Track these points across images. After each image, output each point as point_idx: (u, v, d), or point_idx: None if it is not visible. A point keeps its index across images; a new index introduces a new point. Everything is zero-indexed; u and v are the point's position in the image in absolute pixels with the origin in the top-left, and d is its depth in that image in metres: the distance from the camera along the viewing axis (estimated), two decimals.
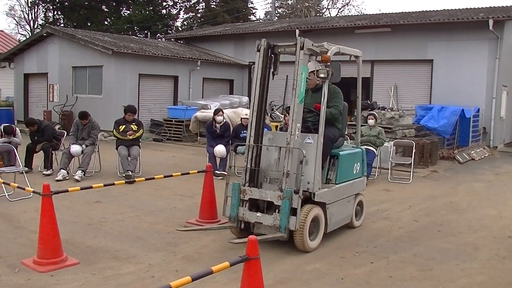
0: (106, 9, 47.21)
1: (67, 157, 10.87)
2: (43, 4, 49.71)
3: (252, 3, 49.16)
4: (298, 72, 6.17)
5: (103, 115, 17.82)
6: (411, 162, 12.08)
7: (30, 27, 53.52)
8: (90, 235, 6.86)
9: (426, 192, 10.59)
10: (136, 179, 8.36)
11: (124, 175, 10.72)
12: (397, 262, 6.11)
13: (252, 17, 48.59)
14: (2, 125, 11.47)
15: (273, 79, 6.70)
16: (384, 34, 20.46)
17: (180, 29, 46.52)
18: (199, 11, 48.05)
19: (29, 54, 23.47)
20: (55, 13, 49.38)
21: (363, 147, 11.68)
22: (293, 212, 6.00)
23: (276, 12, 47.25)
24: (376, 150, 11.82)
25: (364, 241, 6.95)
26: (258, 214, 6.30)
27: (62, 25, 45.13)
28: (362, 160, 7.56)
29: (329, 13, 50.73)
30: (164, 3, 46.69)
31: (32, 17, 53.59)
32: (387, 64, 20.70)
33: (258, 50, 6.47)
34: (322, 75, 6.36)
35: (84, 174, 10.77)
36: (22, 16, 55.48)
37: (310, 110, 6.82)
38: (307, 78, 6.51)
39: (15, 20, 65.96)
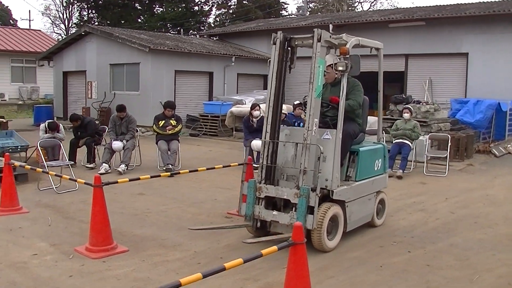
0: (139, 7, 47.91)
1: (109, 152, 11.26)
2: (77, 3, 50.70)
3: None
4: (315, 65, 5.94)
5: (140, 111, 18.23)
6: (447, 156, 12.10)
7: (65, 26, 54.70)
8: (136, 225, 7.17)
9: (462, 185, 10.64)
10: (180, 171, 8.67)
11: (164, 168, 11.05)
12: (434, 252, 6.25)
13: (284, 12, 48.70)
14: (47, 121, 11.92)
15: (289, 73, 6.49)
16: (418, 28, 20.38)
17: (213, 25, 46.89)
18: (231, 7, 48.38)
19: (68, 52, 24.08)
20: (89, 12, 50.31)
21: (398, 140, 11.88)
22: (310, 210, 5.81)
23: (308, 6, 47.25)
24: (412, 143, 11.90)
25: (402, 232, 7.10)
26: (274, 212, 6.12)
27: (96, 23, 45.91)
28: (383, 157, 7.32)
29: (362, 7, 50.51)
30: (197, 0, 47.09)
31: (67, 16, 54.78)
32: (422, 58, 20.61)
33: (274, 43, 6.28)
34: (340, 68, 6.13)
35: (127, 168, 11.14)
36: (57, 16, 56.71)
37: (328, 104, 6.62)
38: (325, 71, 6.40)
39: (51, 19, 67.52)
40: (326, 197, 6.08)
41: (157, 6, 48.08)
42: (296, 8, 39.57)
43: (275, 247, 3.84)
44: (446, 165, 12.08)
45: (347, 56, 6.10)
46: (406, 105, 13.36)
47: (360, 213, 6.75)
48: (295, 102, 12.83)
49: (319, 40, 5.94)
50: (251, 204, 6.23)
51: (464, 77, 19.66)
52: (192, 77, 21.94)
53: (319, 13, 42.67)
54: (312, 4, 51.61)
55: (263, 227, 6.36)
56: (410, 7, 27.80)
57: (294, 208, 5.90)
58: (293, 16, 40.42)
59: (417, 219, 7.83)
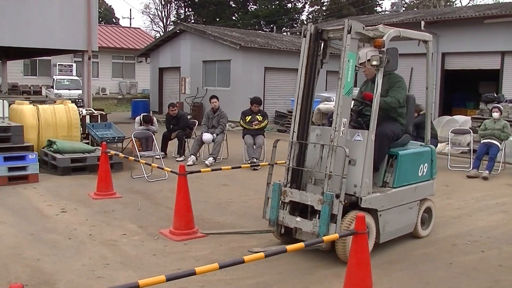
0: (233, 5, 48.96)
1: (198, 144, 11.84)
2: (175, 2, 52.58)
3: None
4: (345, 60, 5.46)
5: (230, 106, 18.80)
6: None
7: (163, 23, 56.92)
8: (218, 213, 7.61)
9: None
10: (260, 164, 9.03)
11: (249, 162, 11.47)
12: (509, 253, 6.16)
13: (378, 9, 48.07)
14: (141, 114, 12.72)
15: (321, 67, 5.95)
16: None
17: (305, 22, 47.07)
18: (324, 4, 48.35)
19: (164, 49, 25.23)
20: (186, 10, 52.05)
21: (486, 140, 11.61)
22: (334, 218, 5.36)
23: (403, 2, 46.32)
24: (501, 144, 11.59)
25: (478, 232, 7.03)
26: (298, 219, 5.69)
27: (192, 21, 47.45)
28: (431, 161, 6.61)
29: (460, 2, 48.88)
30: None
31: (165, 14, 56.96)
32: None
33: (304, 36, 5.83)
34: (374, 63, 5.59)
35: (214, 161, 11.66)
36: (156, 14, 59.09)
37: (365, 103, 6.14)
38: (364, 67, 6.04)
39: (150, 17, 70.34)
40: (355, 204, 5.59)
41: (251, 3, 48.97)
42: (391, 5, 38.91)
43: (336, 235, 4.09)
44: None
45: (382, 49, 5.59)
46: (496, 104, 13.00)
47: (397, 223, 6.12)
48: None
49: (349, 32, 5.47)
50: (275, 209, 5.89)
51: None
52: (282, 74, 22.30)
53: (414, 9, 41.79)
54: (408, 0, 50.55)
55: (289, 233, 5.95)
56: (508, 2, 26.68)
57: (318, 215, 5.47)
58: (386, 12, 39.83)
59: (497, 220, 7.70)
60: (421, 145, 6.77)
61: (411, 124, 6.70)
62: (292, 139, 5.85)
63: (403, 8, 42.11)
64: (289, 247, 3.90)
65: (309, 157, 5.87)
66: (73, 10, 15.65)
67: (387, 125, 6.00)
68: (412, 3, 49.81)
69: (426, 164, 6.50)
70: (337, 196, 5.29)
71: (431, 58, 6.73)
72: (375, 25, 5.95)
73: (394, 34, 5.84)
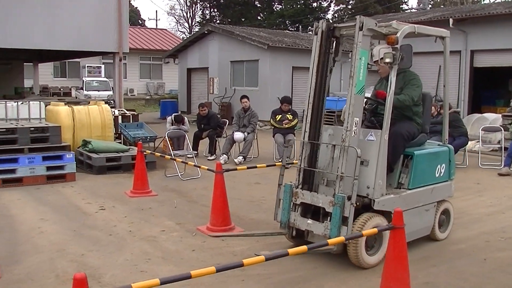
0: (259, 5, 49.14)
1: (229, 143, 12.02)
2: (200, 3, 53.01)
3: None
4: (356, 57, 5.28)
5: (259, 106, 18.90)
6: None
7: (188, 24, 57.46)
8: (252, 210, 7.76)
9: None
10: (294, 162, 9.12)
11: (280, 160, 11.58)
12: None
13: (404, 6, 47.78)
14: (173, 114, 12.94)
15: (333, 66, 5.79)
16: None
17: (331, 21, 46.97)
18: (350, 2, 48.24)
19: (192, 50, 25.51)
20: (212, 10, 52.41)
21: None
22: (346, 221, 5.20)
23: (429, 0, 45.94)
24: None
25: (511, 229, 7.02)
26: (309, 221, 5.53)
27: (218, 22, 47.75)
28: (449, 161, 6.35)
29: None
30: None
31: (190, 15, 57.48)
32: None
33: (316, 33, 5.67)
34: (388, 60, 5.37)
35: (244, 160, 11.81)
36: (181, 15, 59.66)
37: (379, 102, 5.98)
38: (378, 65, 5.89)
39: (175, 18, 70.98)
40: (368, 206, 5.39)
41: (276, 3, 49.12)
42: (417, 2, 38.58)
43: (375, 229, 4.19)
44: None
45: (395, 45, 5.36)
46: None
47: (413, 225, 5.78)
48: None
49: (361, 29, 5.26)
50: (287, 211, 5.73)
51: None
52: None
53: (441, 6, 41.43)
54: None
55: (301, 236, 5.79)
56: None
57: (329, 218, 5.31)
58: (412, 10, 39.56)
59: None
60: (438, 145, 6.51)
61: (428, 123, 6.47)
62: (304, 139, 5.69)
63: (430, 6, 41.78)
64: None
65: (321, 157, 5.73)
66: (105, 13, 15.97)
67: (402, 124, 5.86)
68: (438, 0, 49.37)
69: (443, 165, 6.26)
70: (349, 198, 5.14)
71: (448, 54, 6.37)
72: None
73: (409, 30, 5.65)
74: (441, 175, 6.22)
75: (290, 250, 3.77)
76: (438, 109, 11.78)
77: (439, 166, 6.17)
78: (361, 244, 5.20)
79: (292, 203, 5.72)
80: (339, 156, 5.28)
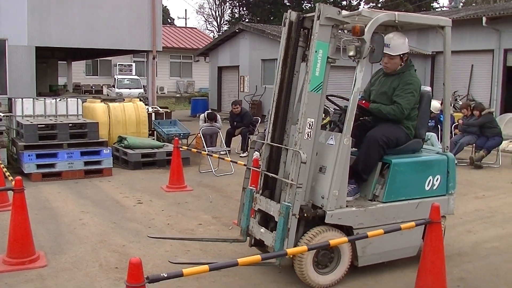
0: (288, 4, 49.13)
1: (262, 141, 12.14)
2: (229, 1, 53.26)
3: None
4: (312, 50, 4.63)
5: None
6: None
7: (217, 23, 57.82)
8: None
9: None
10: None
11: None
12: None
13: (435, 5, 47.32)
14: (206, 112, 13.14)
15: (304, 61, 5.00)
16: None
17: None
18: (380, 1, 47.97)
19: (223, 48, 25.75)
20: (241, 9, 52.64)
21: None
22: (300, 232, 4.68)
23: None
24: None
25: None
26: (262, 230, 4.95)
27: (246, 20, 47.95)
28: (446, 173, 5.45)
29: None
30: None
31: (219, 14, 57.83)
32: None
33: (284, 25, 5.03)
34: (350, 53, 4.69)
35: None
36: (210, 13, 60.05)
37: (362, 112, 5.41)
38: (383, 60, 5.22)
39: (204, 17, 71.45)
40: (323, 219, 4.74)
41: (305, 1, 49.07)
42: (448, 1, 38.28)
43: (413, 223, 4.28)
44: None
45: (361, 36, 4.63)
46: None
47: (387, 245, 5.08)
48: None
49: (318, 18, 4.58)
50: (246, 217, 5.17)
51: None
52: (339, 71, 22.35)
53: (473, 5, 40.94)
54: None
55: (260, 244, 5.20)
56: None
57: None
58: (444, 9, 39.22)
59: None
60: (437, 153, 5.68)
61: (425, 127, 5.65)
62: (266, 140, 5.08)
63: (461, 4, 41.32)
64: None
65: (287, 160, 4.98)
66: (139, 12, 16.27)
67: (381, 128, 5.24)
68: None
69: (438, 176, 5.38)
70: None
71: (448, 45, 5.44)
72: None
73: (385, 19, 4.90)
74: (435, 188, 5.37)
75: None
76: (471, 110, 11.75)
77: (431, 177, 5.33)
78: (306, 261, 4.62)
79: (252, 209, 5.16)
80: (291, 161, 4.68)
